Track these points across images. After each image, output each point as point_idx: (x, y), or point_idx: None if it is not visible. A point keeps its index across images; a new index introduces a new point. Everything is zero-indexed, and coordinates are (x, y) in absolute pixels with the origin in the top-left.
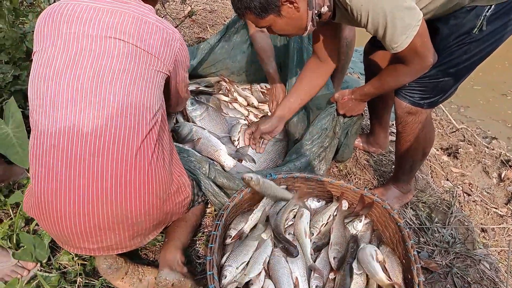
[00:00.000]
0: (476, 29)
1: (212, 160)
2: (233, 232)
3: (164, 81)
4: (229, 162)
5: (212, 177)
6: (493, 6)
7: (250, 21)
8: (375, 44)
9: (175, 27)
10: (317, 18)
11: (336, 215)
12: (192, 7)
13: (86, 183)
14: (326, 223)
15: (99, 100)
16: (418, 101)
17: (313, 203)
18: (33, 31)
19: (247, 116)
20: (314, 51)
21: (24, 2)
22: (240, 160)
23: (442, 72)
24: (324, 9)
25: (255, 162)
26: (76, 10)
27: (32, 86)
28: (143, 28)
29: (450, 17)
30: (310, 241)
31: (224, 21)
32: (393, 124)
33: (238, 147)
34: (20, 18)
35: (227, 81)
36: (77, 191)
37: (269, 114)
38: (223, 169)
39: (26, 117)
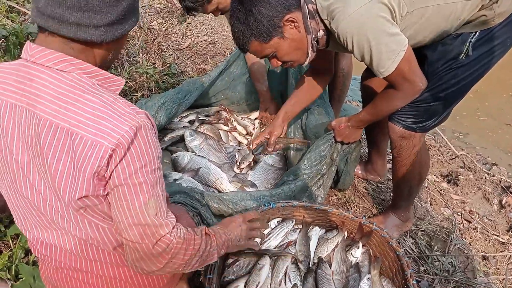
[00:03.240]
0: (462, 54)
1: (213, 188)
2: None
3: (98, 206)
4: (230, 189)
5: (210, 206)
6: (477, 32)
7: (253, 52)
8: (371, 72)
9: (176, 59)
10: (316, 43)
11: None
12: (192, 39)
13: (87, 276)
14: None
15: (62, 229)
16: (411, 125)
17: (314, 231)
18: None
19: (246, 145)
20: (310, 65)
21: (30, 36)
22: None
23: (432, 96)
24: (320, 33)
25: (256, 187)
26: None
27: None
28: (50, 143)
29: (438, 44)
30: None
31: (225, 52)
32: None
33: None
34: None
35: (227, 110)
36: (83, 281)
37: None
38: None
39: None
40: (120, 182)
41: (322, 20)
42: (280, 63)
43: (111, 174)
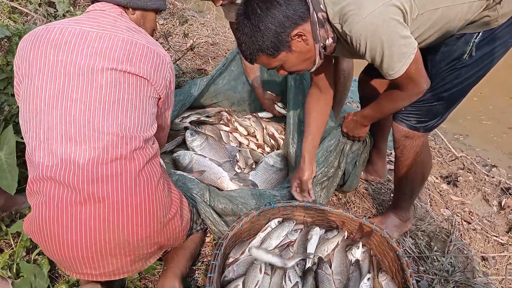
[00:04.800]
0: (466, 54)
1: (215, 187)
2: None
3: (156, 106)
4: (232, 188)
5: (212, 205)
6: (481, 33)
7: (261, 64)
8: (369, 73)
9: (178, 59)
10: (323, 51)
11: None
12: (194, 40)
13: (86, 210)
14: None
15: (93, 133)
16: (415, 124)
17: (315, 231)
18: None
19: (247, 146)
20: (313, 82)
21: None
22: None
23: (435, 96)
24: (329, 41)
25: (257, 186)
26: (64, 34)
27: (24, 118)
28: (133, 51)
29: (441, 44)
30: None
31: (226, 53)
32: (391, 153)
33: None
34: None
35: (228, 111)
36: (78, 218)
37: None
38: None
39: (22, 144)
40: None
41: (332, 27)
42: (286, 72)
43: (169, 84)
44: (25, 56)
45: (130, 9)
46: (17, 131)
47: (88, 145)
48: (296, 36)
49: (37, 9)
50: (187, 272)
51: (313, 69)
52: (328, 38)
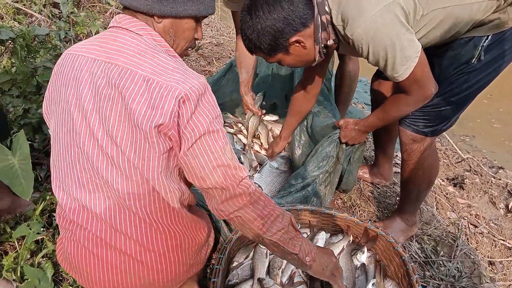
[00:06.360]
0: (474, 59)
1: None
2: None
3: (167, 149)
4: None
5: None
6: (490, 36)
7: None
8: (381, 75)
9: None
10: (324, 50)
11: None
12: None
13: (112, 255)
14: None
15: (104, 183)
16: (422, 129)
17: (321, 235)
18: (43, 66)
19: (252, 147)
20: (304, 76)
21: (37, 38)
22: None
23: (444, 101)
24: (330, 42)
25: (262, 189)
26: (74, 68)
27: (52, 152)
28: (127, 86)
29: (449, 48)
30: None
31: (230, 54)
32: (397, 155)
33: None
34: (31, 54)
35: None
36: (102, 260)
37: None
38: None
39: (34, 150)
40: (204, 130)
41: (334, 29)
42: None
43: (188, 122)
44: (51, 87)
45: (155, 17)
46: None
47: (101, 194)
48: (294, 42)
49: (41, 10)
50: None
51: (313, 64)
52: (329, 39)
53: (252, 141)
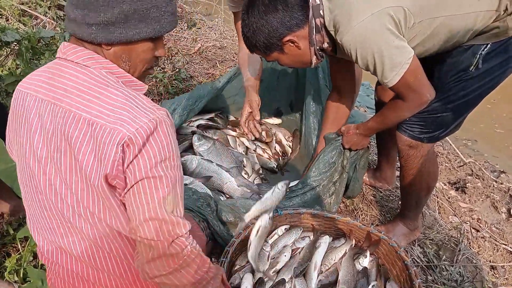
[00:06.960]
0: (472, 66)
1: (222, 192)
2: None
3: (119, 195)
4: (238, 194)
5: (219, 214)
6: (489, 44)
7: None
8: None
9: (186, 63)
10: (321, 52)
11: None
12: (201, 44)
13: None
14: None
15: (75, 228)
16: (418, 135)
17: (324, 239)
18: None
19: (254, 150)
20: (334, 86)
21: (42, 40)
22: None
23: (440, 107)
24: (325, 45)
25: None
26: (25, 108)
27: (21, 192)
28: (72, 134)
29: (448, 55)
30: (317, 276)
31: (233, 57)
32: None
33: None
34: (36, 56)
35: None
36: None
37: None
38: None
39: None
40: (141, 176)
41: (328, 32)
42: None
43: (128, 166)
44: (8, 127)
45: (103, 45)
46: None
47: (75, 237)
48: (288, 42)
49: (46, 12)
50: None
51: (312, 66)
52: (324, 42)
53: (255, 144)
